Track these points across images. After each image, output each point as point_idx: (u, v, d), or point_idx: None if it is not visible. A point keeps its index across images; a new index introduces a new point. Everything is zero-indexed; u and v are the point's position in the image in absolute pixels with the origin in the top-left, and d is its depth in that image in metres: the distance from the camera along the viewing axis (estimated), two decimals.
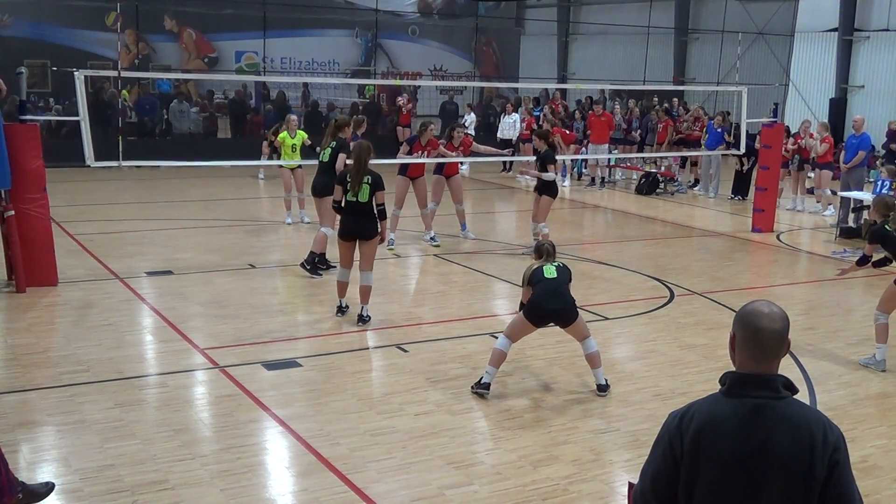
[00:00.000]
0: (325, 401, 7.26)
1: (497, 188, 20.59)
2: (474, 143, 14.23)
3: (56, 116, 20.77)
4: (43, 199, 10.43)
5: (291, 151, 14.36)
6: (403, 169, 13.24)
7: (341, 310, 9.62)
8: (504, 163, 22.41)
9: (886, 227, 8.60)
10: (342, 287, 9.59)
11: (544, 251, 7.64)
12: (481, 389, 7.39)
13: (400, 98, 24.43)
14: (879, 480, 6.16)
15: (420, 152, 13.01)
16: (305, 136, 14.55)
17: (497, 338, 7.73)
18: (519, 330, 7.54)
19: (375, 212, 9.28)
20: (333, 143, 11.40)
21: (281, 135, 14.54)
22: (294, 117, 15.02)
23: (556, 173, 14.39)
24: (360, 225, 9.28)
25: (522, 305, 7.59)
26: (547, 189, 12.53)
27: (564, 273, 7.49)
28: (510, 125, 22.24)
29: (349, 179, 9.27)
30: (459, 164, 14.56)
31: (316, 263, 11.30)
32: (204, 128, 24.15)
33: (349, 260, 9.50)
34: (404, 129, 23.20)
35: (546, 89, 27.51)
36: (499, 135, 22.44)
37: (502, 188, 20.68)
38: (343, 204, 9.34)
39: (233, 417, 6.87)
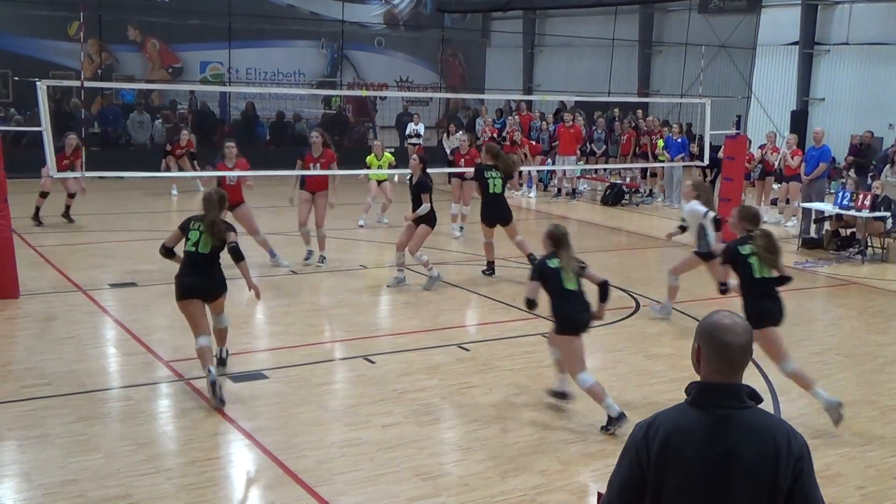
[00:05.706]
0: (291, 413, 7.22)
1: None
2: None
3: (17, 127, 20.50)
4: (4, 211, 10.32)
5: (377, 170, 15.76)
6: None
7: (214, 386, 7.21)
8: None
9: (741, 248, 7.32)
10: (204, 354, 7.45)
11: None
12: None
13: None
14: (842, 488, 6.23)
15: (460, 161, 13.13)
16: (392, 158, 15.89)
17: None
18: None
19: (232, 256, 7.64)
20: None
21: (368, 158, 15.70)
22: (379, 142, 16.54)
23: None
24: (204, 281, 7.66)
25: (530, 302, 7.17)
26: (426, 219, 11.60)
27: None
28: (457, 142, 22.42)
29: (198, 229, 7.70)
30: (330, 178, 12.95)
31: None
32: (167, 138, 23.90)
33: (201, 320, 7.58)
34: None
35: (509, 101, 27.55)
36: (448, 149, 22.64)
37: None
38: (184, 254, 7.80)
39: (198, 430, 6.81)
